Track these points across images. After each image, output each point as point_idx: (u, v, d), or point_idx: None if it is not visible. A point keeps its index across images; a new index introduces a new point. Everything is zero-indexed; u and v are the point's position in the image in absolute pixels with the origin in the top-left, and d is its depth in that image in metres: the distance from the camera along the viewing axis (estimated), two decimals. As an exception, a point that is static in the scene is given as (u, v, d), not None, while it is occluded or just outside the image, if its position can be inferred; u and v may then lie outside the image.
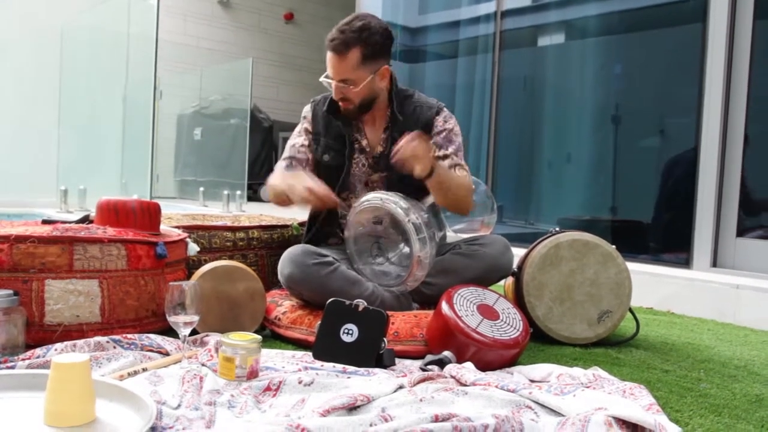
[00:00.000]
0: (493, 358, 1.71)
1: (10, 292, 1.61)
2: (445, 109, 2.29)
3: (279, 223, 2.61)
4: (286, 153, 2.31)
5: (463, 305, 1.79)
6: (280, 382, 1.43)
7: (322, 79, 2.17)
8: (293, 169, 2.25)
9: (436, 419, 1.22)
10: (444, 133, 2.23)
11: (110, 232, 1.88)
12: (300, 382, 1.43)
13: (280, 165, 2.29)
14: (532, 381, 1.62)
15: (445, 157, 2.18)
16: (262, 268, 2.45)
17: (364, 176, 2.25)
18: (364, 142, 2.24)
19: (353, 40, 2.07)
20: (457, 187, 2.13)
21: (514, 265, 2.21)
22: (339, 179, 2.22)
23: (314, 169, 2.29)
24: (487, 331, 1.73)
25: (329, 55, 2.10)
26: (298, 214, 2.81)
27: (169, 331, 1.81)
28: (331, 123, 2.26)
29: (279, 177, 2.18)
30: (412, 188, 2.10)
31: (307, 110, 2.34)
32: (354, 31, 2.07)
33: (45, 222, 2.06)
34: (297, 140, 2.31)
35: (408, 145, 1.93)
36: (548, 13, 4.62)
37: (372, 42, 2.09)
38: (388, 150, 2.20)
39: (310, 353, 1.74)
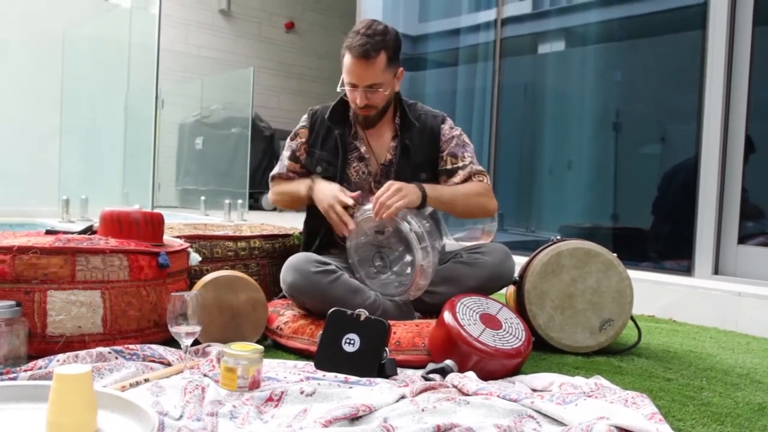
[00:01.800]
0: (496, 367, 1.71)
1: (13, 303, 1.62)
2: (448, 117, 2.32)
3: (281, 233, 2.61)
4: (279, 169, 2.37)
5: (466, 314, 1.79)
6: (282, 393, 1.43)
7: (340, 88, 2.17)
8: (279, 174, 2.37)
9: (438, 429, 1.22)
10: (455, 140, 2.26)
11: (112, 242, 1.88)
12: (302, 393, 1.43)
13: (271, 178, 2.41)
14: (534, 390, 1.62)
15: (464, 167, 2.22)
16: (264, 277, 2.45)
17: (367, 184, 2.25)
18: (363, 149, 2.25)
19: (380, 44, 2.08)
20: (465, 197, 2.17)
21: (516, 274, 2.21)
22: None
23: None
24: (489, 341, 1.73)
25: (354, 61, 2.08)
26: (300, 224, 2.81)
27: (171, 342, 1.82)
28: (328, 134, 2.27)
29: (286, 187, 2.34)
30: None
31: (304, 120, 2.34)
32: (379, 35, 2.09)
33: (48, 232, 2.06)
34: (287, 161, 2.36)
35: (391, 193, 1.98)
36: (548, 20, 4.63)
37: (393, 45, 2.13)
38: (398, 157, 2.21)
39: (312, 363, 1.74)
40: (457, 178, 2.22)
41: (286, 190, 2.33)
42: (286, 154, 2.36)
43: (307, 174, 2.32)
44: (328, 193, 2.13)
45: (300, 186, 2.26)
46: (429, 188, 2.08)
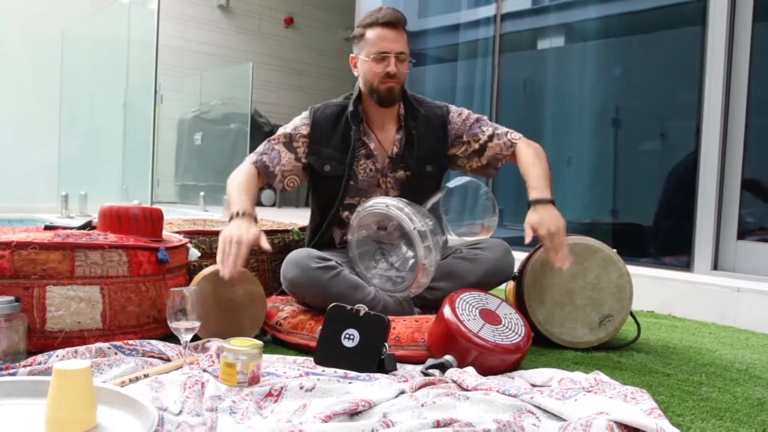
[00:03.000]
0: (495, 362, 1.71)
1: (12, 298, 1.62)
2: (450, 106, 2.36)
3: (280, 228, 2.61)
4: (261, 148, 2.25)
5: (465, 309, 1.79)
6: (282, 388, 1.43)
7: (371, 56, 2.15)
8: (262, 164, 2.21)
9: (438, 425, 1.22)
10: (469, 121, 2.30)
11: (111, 238, 1.88)
12: (301, 388, 1.43)
13: (249, 159, 2.24)
14: (534, 385, 1.62)
15: (491, 137, 2.28)
16: (263, 273, 2.45)
17: (374, 180, 2.25)
18: (373, 145, 2.25)
19: (404, 20, 2.18)
20: (540, 164, 2.27)
21: (515, 269, 2.21)
22: (341, 188, 2.22)
23: (309, 178, 2.31)
24: (488, 336, 1.73)
25: (385, 30, 2.14)
26: (299, 219, 2.81)
27: (171, 337, 1.82)
28: (333, 132, 2.25)
29: (236, 187, 2.11)
30: (426, 190, 2.21)
31: (305, 116, 2.28)
32: (399, 12, 2.18)
33: (47, 228, 2.06)
34: (279, 147, 2.24)
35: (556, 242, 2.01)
36: (548, 16, 4.62)
37: (407, 30, 2.22)
38: (403, 149, 2.22)
39: (312, 358, 1.74)
40: (490, 152, 2.28)
41: (230, 189, 2.12)
42: (280, 140, 2.24)
43: (308, 167, 2.26)
44: (242, 228, 1.91)
45: (233, 201, 2.05)
46: (543, 191, 2.16)
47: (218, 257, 1.87)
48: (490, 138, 2.27)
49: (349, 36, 2.20)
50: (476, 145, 2.28)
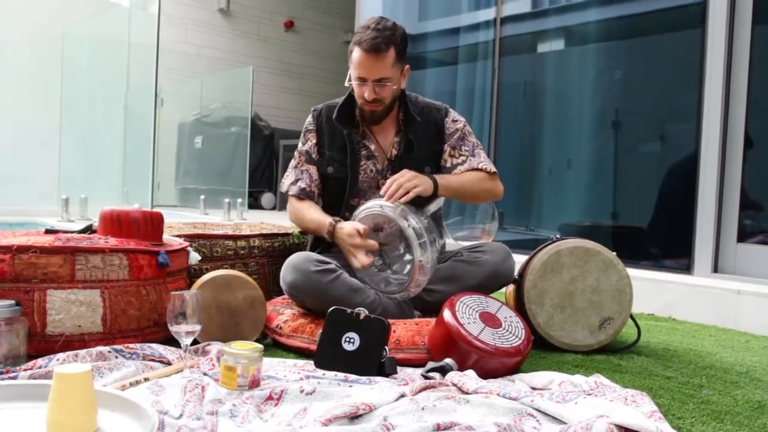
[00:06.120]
0: (495, 366, 1.71)
1: (12, 302, 1.62)
2: (450, 109, 2.34)
3: (280, 232, 2.61)
4: (293, 180, 2.31)
5: (466, 313, 1.79)
6: (282, 392, 1.43)
7: (348, 83, 2.18)
8: (302, 191, 2.29)
9: (438, 428, 1.22)
10: (457, 134, 2.29)
11: (112, 241, 1.88)
12: (302, 391, 1.43)
13: (291, 194, 2.31)
14: (534, 388, 1.62)
15: (463, 163, 2.26)
16: (264, 276, 2.45)
17: (374, 181, 2.26)
18: (373, 147, 2.25)
19: (390, 39, 2.11)
20: (471, 184, 2.22)
21: (516, 273, 2.21)
22: (346, 189, 2.23)
23: (320, 182, 2.32)
24: (489, 339, 1.73)
25: (364, 55, 2.09)
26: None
27: (171, 341, 1.82)
28: (335, 134, 2.26)
29: (306, 215, 2.24)
30: None
31: (310, 123, 2.32)
32: (388, 30, 2.11)
33: (47, 232, 2.06)
34: (307, 166, 2.31)
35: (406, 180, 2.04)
36: (547, 19, 4.63)
37: (401, 41, 2.16)
38: (402, 152, 2.22)
39: (312, 362, 1.74)
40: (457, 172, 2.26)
41: (308, 220, 2.24)
42: (303, 161, 2.31)
43: (321, 176, 2.30)
44: (346, 234, 2.05)
45: (322, 223, 2.15)
46: (438, 177, 2.14)
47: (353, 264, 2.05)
48: (462, 163, 2.26)
49: (349, 39, 2.19)
50: (448, 164, 2.27)
